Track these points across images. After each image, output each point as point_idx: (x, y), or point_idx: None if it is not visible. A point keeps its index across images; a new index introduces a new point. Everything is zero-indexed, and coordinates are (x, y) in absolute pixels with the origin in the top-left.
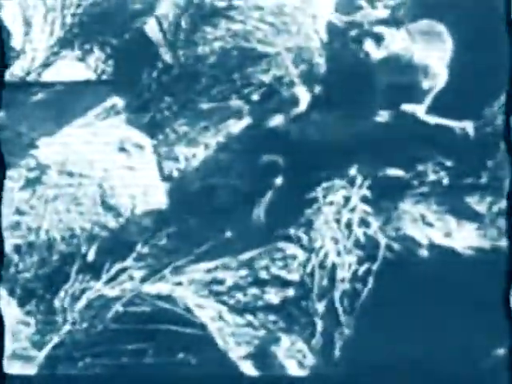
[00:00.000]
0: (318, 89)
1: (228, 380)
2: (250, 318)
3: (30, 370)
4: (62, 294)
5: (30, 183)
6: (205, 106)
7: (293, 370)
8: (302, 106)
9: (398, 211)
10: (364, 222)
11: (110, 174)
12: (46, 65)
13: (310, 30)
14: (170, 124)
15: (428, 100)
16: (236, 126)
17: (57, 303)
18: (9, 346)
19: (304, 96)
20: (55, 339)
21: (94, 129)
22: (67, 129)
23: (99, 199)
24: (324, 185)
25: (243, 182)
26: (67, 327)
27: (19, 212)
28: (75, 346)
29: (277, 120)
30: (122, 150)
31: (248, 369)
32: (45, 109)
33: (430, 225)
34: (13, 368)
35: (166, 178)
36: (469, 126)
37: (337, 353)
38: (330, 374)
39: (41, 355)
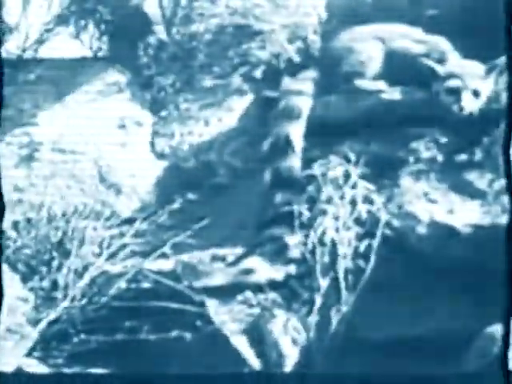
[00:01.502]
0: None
1: (223, 356)
2: (248, 294)
3: (24, 346)
4: (64, 270)
5: (24, 160)
6: (208, 83)
7: (286, 346)
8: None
9: (400, 188)
10: (367, 199)
11: (105, 151)
12: (40, 41)
13: (308, 6)
14: (173, 101)
15: None
16: (238, 104)
17: (60, 279)
18: (4, 321)
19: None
20: (51, 316)
21: (96, 106)
22: (69, 105)
23: (98, 176)
24: (320, 161)
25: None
26: (65, 303)
27: (18, 189)
28: (71, 323)
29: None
30: (122, 127)
31: (243, 346)
32: (45, 86)
33: (434, 202)
34: (6, 344)
35: (159, 155)
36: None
37: (332, 329)
38: (323, 352)
39: (35, 332)
